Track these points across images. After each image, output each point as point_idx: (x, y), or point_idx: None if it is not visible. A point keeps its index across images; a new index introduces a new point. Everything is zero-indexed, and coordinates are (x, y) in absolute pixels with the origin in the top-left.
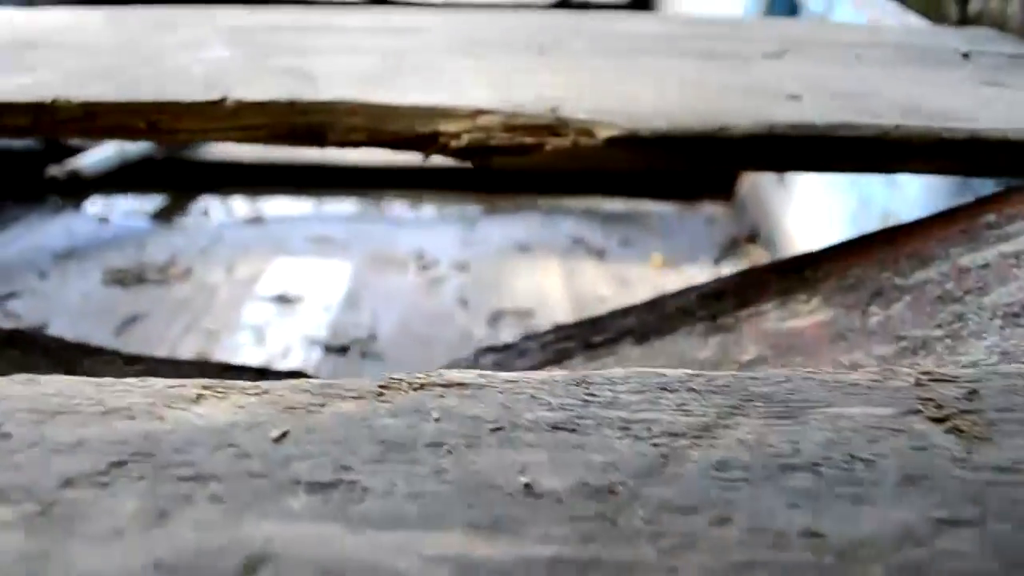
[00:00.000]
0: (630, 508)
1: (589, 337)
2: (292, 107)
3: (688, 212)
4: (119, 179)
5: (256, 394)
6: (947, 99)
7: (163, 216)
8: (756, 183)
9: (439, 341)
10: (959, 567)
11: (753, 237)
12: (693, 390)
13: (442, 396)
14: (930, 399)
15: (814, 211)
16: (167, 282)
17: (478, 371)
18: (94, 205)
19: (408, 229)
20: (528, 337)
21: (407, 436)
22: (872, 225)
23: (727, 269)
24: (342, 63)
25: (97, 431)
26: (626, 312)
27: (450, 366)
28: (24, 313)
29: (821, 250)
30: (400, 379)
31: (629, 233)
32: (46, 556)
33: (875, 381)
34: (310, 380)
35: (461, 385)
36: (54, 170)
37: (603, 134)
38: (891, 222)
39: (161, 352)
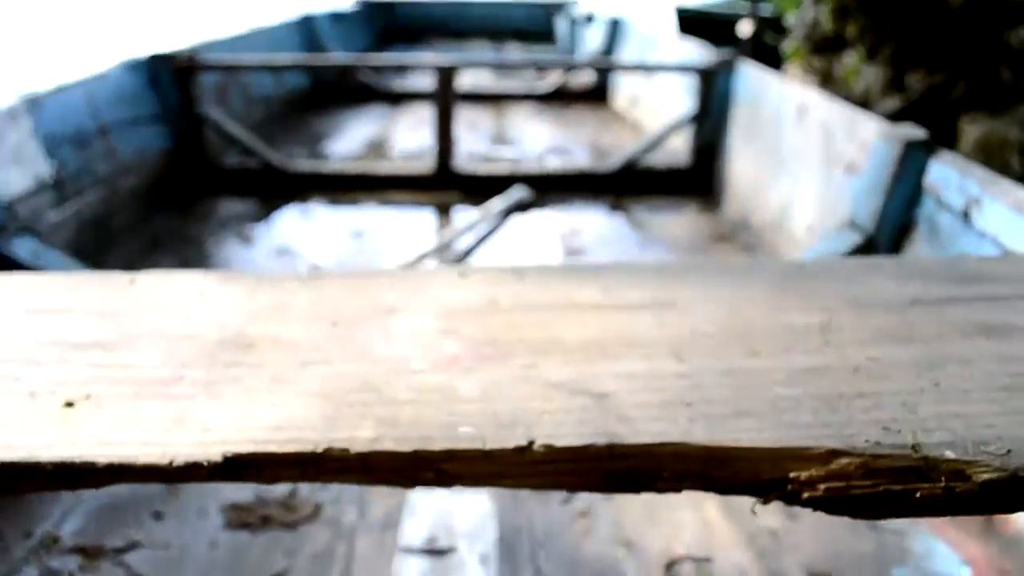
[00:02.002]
0: None
1: None
2: (611, 451)
3: None
4: None
5: None
6: None
7: None
8: None
9: None
10: None
11: None
12: None
13: None
14: None
15: None
16: (297, 524)
17: None
18: None
19: None
20: None
21: None
22: None
23: None
24: (628, 370)
25: None
26: None
27: None
28: (151, 572)
29: None
30: None
31: None
32: None
33: None
34: None
35: None
36: None
37: (980, 477)
38: None
39: None
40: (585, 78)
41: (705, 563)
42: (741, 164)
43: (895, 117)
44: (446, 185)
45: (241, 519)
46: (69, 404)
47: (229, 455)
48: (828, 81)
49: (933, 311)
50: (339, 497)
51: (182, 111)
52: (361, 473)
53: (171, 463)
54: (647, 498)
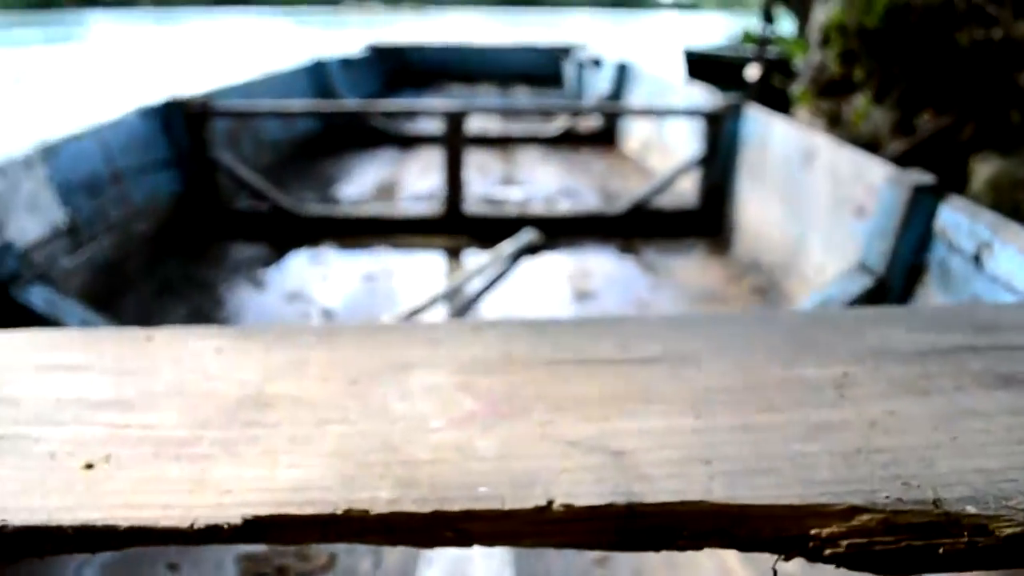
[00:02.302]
0: None
1: None
2: (630, 510)
3: None
4: None
5: None
6: None
7: None
8: None
9: None
10: None
11: None
12: None
13: None
14: None
15: None
16: (312, 575)
17: None
18: None
19: None
20: None
21: None
22: None
23: None
24: (645, 427)
25: None
26: None
27: None
28: None
29: None
30: None
31: None
32: None
33: None
34: None
35: None
36: None
37: (1004, 532)
38: None
39: None
40: (593, 122)
41: None
42: (750, 206)
43: (903, 159)
44: (456, 229)
45: (256, 570)
46: (89, 466)
47: (249, 518)
48: (836, 123)
49: (950, 362)
50: (354, 547)
51: (194, 156)
52: (380, 534)
53: (192, 526)
54: None
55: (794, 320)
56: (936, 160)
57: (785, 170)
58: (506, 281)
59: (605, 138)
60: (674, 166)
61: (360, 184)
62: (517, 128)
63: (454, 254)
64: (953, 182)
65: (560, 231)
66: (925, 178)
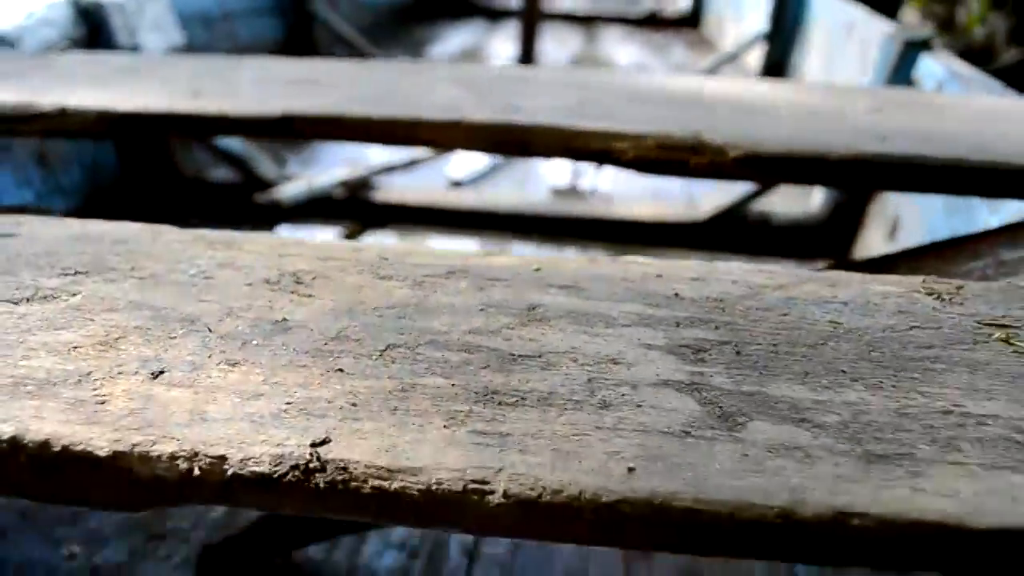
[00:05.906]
0: None
1: None
2: (508, 128)
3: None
4: (306, 210)
5: None
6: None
7: None
8: (869, 243)
9: None
10: None
11: None
12: None
13: None
14: None
15: None
16: None
17: None
18: (285, 231)
19: None
20: None
21: None
22: None
23: None
24: (542, 102)
25: None
26: None
27: None
28: None
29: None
30: None
31: None
32: None
33: None
34: None
35: None
36: (259, 198)
37: (732, 154)
38: None
39: None
40: (681, 3)
41: None
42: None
43: (1018, 68)
44: None
45: None
46: (196, 93)
47: (285, 113)
48: (948, 28)
49: (784, 107)
50: None
51: (295, 6)
52: (361, 131)
53: (254, 114)
54: None
55: (688, 81)
56: None
57: (832, 44)
58: None
59: (691, 22)
60: (739, 42)
61: (445, 49)
62: (604, 7)
63: None
64: None
65: None
66: (918, 34)
